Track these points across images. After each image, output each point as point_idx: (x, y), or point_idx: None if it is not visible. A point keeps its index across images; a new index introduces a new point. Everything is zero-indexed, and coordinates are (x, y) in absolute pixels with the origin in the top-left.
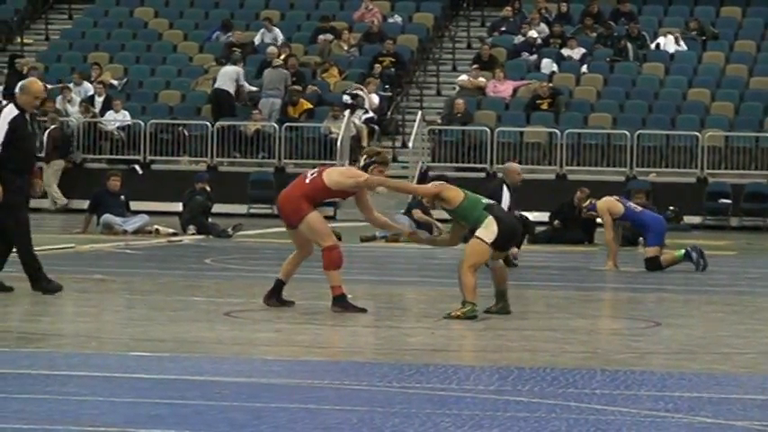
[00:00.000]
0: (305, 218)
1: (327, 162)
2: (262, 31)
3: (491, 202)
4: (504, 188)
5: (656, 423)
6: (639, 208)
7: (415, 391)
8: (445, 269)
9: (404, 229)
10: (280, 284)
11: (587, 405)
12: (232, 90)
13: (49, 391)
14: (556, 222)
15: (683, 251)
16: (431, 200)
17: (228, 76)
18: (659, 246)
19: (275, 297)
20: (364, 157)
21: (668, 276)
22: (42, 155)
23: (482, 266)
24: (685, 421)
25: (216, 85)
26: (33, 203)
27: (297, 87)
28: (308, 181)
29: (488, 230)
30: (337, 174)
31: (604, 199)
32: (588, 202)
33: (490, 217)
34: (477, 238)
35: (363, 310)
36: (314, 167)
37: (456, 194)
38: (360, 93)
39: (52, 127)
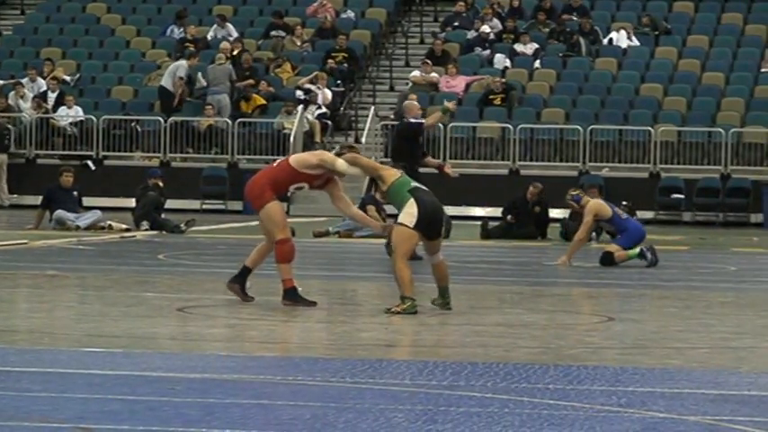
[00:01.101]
0: (265, 205)
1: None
2: (214, 26)
3: (418, 185)
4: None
5: (609, 418)
6: (625, 215)
7: (369, 386)
8: None
9: (377, 226)
10: (246, 271)
11: (540, 400)
12: (175, 87)
13: (2, 387)
14: (509, 217)
15: (637, 250)
16: (371, 173)
17: (170, 72)
18: (624, 247)
19: (239, 283)
20: (337, 148)
21: (621, 271)
22: None
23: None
24: (638, 416)
25: (161, 83)
26: None
27: (250, 82)
28: (275, 164)
29: (408, 213)
30: (303, 154)
31: (596, 200)
32: (576, 192)
33: (411, 199)
34: (400, 224)
35: (313, 304)
36: (266, 163)
37: (390, 174)
38: (312, 88)
39: None
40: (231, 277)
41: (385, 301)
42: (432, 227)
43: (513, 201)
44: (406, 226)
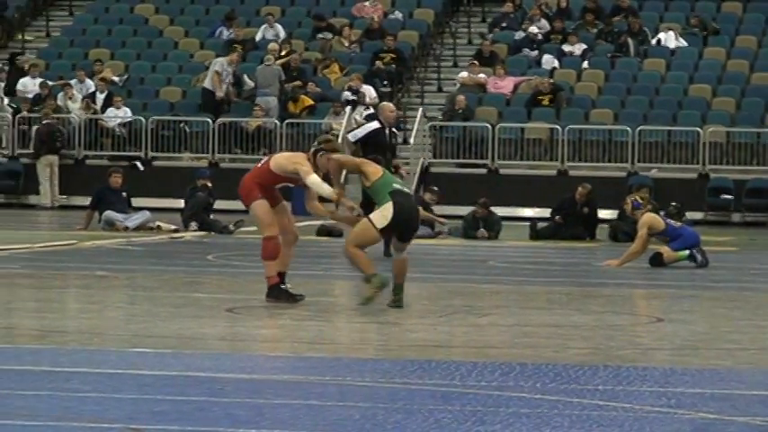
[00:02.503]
0: (251, 203)
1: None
2: (263, 27)
3: (400, 188)
4: (374, 122)
5: (659, 419)
6: (679, 224)
7: (418, 387)
8: (447, 265)
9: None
10: (280, 276)
11: (590, 401)
12: (214, 84)
13: (52, 387)
14: (557, 218)
15: (686, 252)
16: (354, 171)
17: (210, 72)
18: (675, 249)
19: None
20: (316, 143)
21: (670, 272)
22: (31, 151)
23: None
24: (688, 417)
25: (204, 84)
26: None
27: (298, 83)
28: (260, 165)
29: (382, 215)
30: (283, 158)
31: (650, 214)
32: (634, 198)
33: (390, 202)
34: (369, 219)
35: (298, 299)
36: None
37: (374, 171)
38: (360, 89)
39: (44, 122)
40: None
41: (434, 302)
42: (404, 232)
43: (561, 202)
44: (374, 226)
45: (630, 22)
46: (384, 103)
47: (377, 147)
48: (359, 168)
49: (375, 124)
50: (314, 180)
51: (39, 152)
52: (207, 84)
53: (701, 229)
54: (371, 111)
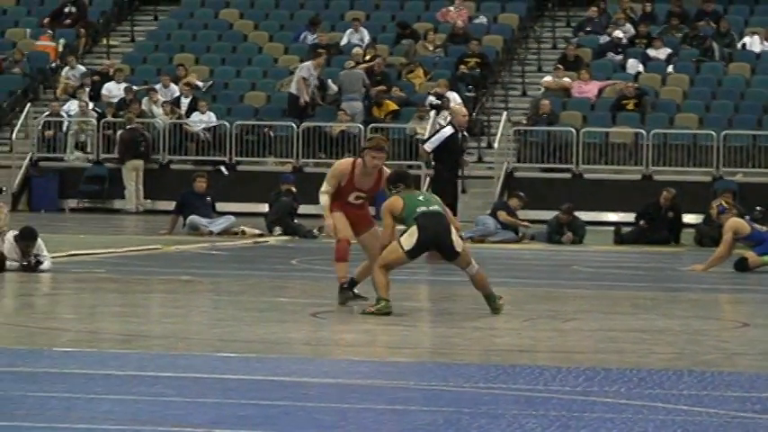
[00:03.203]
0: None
1: (414, 163)
2: (349, 31)
3: (425, 210)
4: (448, 127)
5: (744, 424)
6: (764, 228)
7: (502, 391)
8: (531, 269)
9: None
10: (353, 282)
11: (674, 406)
12: (299, 89)
13: (136, 391)
14: (641, 222)
15: None
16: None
17: (296, 77)
18: (761, 254)
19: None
20: (366, 143)
21: (756, 277)
22: (116, 156)
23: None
24: None
25: (289, 89)
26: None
27: (382, 88)
28: None
29: (408, 237)
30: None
31: (735, 219)
32: (719, 203)
33: (415, 226)
34: (398, 242)
35: (344, 302)
36: (400, 168)
37: (397, 206)
38: (445, 94)
39: (126, 128)
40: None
41: (519, 306)
42: (438, 250)
43: (646, 206)
44: (402, 248)
45: (719, 24)
46: (456, 107)
47: (450, 151)
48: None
49: (449, 130)
50: (321, 196)
51: (123, 157)
52: (292, 89)
53: None
54: None
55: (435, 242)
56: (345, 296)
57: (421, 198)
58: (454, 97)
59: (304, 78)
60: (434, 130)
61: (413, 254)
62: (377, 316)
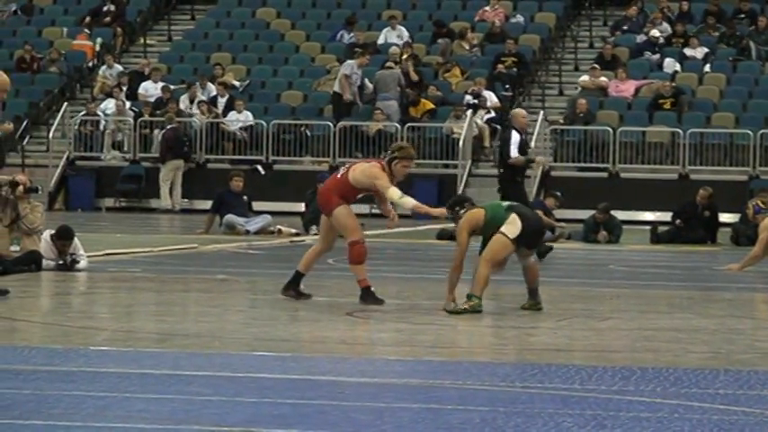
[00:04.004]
0: (333, 211)
1: (450, 162)
2: (386, 29)
3: (513, 203)
4: (513, 132)
5: None
6: None
7: (538, 390)
8: (567, 268)
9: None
10: (298, 276)
11: (710, 405)
12: (342, 87)
13: (172, 390)
14: (678, 222)
15: None
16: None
17: (339, 75)
18: None
19: (293, 288)
20: (389, 151)
21: None
22: (157, 155)
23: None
24: None
25: (333, 88)
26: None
27: (415, 92)
28: (339, 176)
29: (513, 226)
30: (360, 172)
31: None
32: (756, 202)
33: (514, 214)
34: (501, 233)
35: (381, 302)
36: (435, 168)
37: (478, 215)
38: (482, 93)
39: (168, 127)
40: (284, 285)
41: (555, 305)
42: (534, 240)
43: (682, 205)
44: (507, 237)
45: (756, 23)
46: (515, 110)
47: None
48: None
49: (515, 135)
50: (394, 194)
51: (165, 157)
52: (336, 87)
53: None
54: (492, 114)
55: (536, 228)
56: (375, 298)
57: (495, 202)
58: (491, 97)
59: (347, 76)
60: (501, 141)
61: (520, 241)
62: (466, 312)
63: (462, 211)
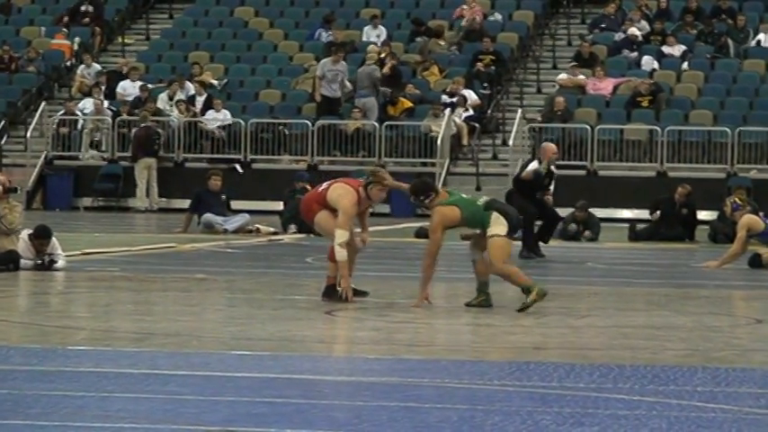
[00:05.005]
0: (314, 217)
1: (428, 161)
2: (367, 27)
3: (486, 199)
4: (535, 161)
5: (758, 420)
6: None
7: (516, 389)
8: (545, 266)
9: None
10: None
11: (688, 402)
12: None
13: (150, 390)
14: (653, 215)
15: None
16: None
17: (318, 77)
18: None
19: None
20: (365, 176)
21: None
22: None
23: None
24: None
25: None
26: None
27: (388, 90)
28: (320, 190)
29: (499, 225)
30: (336, 196)
31: (749, 216)
32: (733, 200)
33: (495, 213)
34: (494, 235)
35: (346, 300)
36: (413, 166)
37: (453, 214)
38: (460, 92)
39: (141, 126)
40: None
41: (534, 304)
42: (516, 230)
43: (659, 201)
44: (501, 236)
45: (734, 20)
46: (547, 143)
47: (531, 186)
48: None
49: (535, 164)
50: (339, 236)
51: (136, 155)
52: (326, 92)
53: None
54: (471, 113)
55: (518, 222)
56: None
57: (464, 195)
58: (470, 96)
59: (319, 77)
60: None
61: (509, 234)
62: (537, 302)
63: (427, 201)
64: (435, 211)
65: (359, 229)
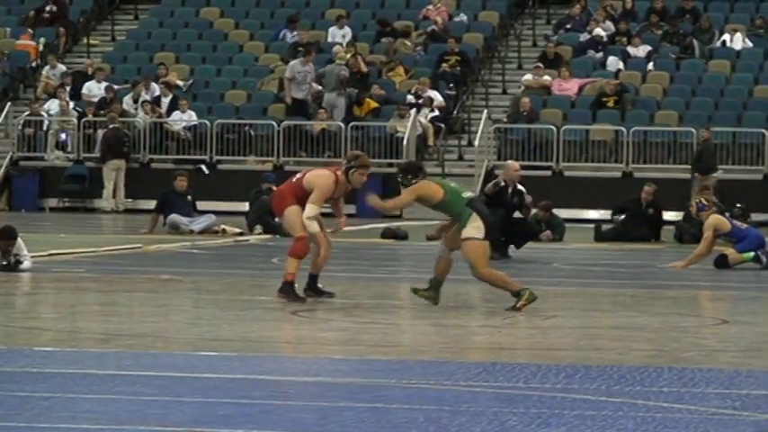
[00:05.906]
0: (284, 210)
1: (394, 161)
2: (333, 28)
3: (471, 195)
4: (499, 178)
5: (724, 421)
6: (744, 225)
7: (482, 389)
8: (511, 267)
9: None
10: (312, 278)
11: (654, 403)
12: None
13: (116, 391)
14: (616, 217)
15: (752, 254)
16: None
17: (287, 79)
18: (741, 251)
19: (311, 289)
20: (345, 161)
21: (736, 274)
22: (98, 155)
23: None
24: (752, 419)
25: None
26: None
27: (354, 89)
28: (294, 180)
29: (475, 227)
30: (313, 175)
31: (715, 216)
32: (699, 200)
33: (473, 214)
34: (469, 239)
35: (303, 300)
36: (379, 167)
37: (435, 191)
38: (425, 93)
39: (109, 127)
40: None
41: (499, 303)
42: (492, 235)
43: (624, 202)
44: (477, 239)
45: (699, 21)
46: (509, 162)
47: (498, 204)
48: (417, 199)
49: (499, 182)
50: (309, 210)
51: (105, 157)
52: (297, 94)
53: (767, 230)
54: (437, 113)
55: (493, 225)
56: (296, 295)
57: (453, 184)
58: (436, 96)
59: (288, 79)
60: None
61: (486, 237)
62: (526, 306)
63: (414, 181)
64: (420, 183)
65: (330, 229)
